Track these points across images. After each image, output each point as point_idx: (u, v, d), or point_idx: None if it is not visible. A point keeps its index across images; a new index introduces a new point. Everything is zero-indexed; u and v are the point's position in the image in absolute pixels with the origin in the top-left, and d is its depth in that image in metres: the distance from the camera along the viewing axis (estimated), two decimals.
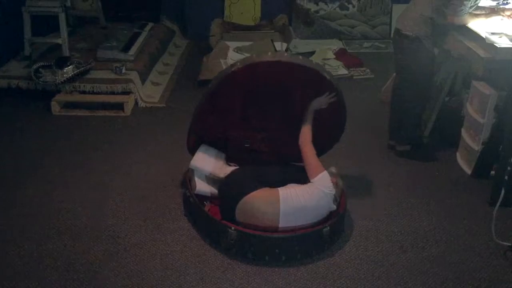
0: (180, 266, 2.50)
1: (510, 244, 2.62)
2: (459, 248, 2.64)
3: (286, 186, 2.64)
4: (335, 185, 2.66)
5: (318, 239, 2.57)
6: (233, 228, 2.52)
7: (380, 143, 3.62)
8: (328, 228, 2.56)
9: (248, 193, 2.56)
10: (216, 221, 2.60)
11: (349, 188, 2.95)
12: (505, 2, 3.46)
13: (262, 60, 2.61)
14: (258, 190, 2.58)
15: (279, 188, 2.61)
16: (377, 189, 3.13)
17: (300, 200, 2.54)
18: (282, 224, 2.53)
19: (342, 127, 2.98)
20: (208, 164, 2.89)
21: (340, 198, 2.75)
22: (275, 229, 2.54)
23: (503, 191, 2.68)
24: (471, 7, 3.09)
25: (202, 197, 2.83)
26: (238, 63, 2.61)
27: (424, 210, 2.94)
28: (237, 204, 2.57)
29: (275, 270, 2.49)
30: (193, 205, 2.75)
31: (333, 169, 2.76)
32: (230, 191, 2.67)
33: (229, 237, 2.52)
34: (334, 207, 2.65)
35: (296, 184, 2.65)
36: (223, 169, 2.90)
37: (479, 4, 3.20)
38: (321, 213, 2.61)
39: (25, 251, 2.57)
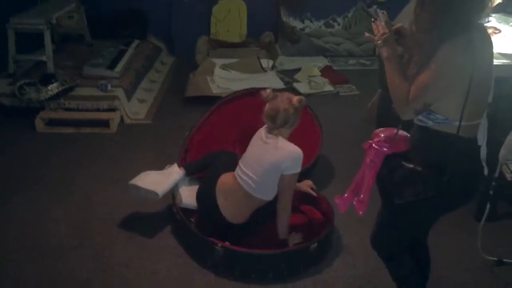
0: (167, 285, 2.47)
1: (496, 259, 2.63)
2: (446, 263, 2.64)
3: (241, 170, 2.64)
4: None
5: (305, 255, 2.55)
6: (219, 245, 2.49)
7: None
8: (316, 244, 2.55)
9: (214, 189, 2.61)
10: (203, 238, 2.57)
11: (335, 204, 2.93)
12: (487, 20, 3.52)
13: None
14: (219, 179, 2.63)
15: (238, 180, 2.59)
16: None
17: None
18: (259, 194, 2.56)
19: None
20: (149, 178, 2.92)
21: (329, 215, 2.75)
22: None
23: (488, 206, 2.70)
24: None
25: (188, 214, 2.81)
26: None
27: None
28: (216, 202, 2.59)
29: (262, 287, 2.46)
30: (179, 222, 2.73)
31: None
32: (205, 202, 2.70)
33: (216, 255, 2.50)
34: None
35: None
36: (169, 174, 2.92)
37: None
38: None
39: (7, 271, 2.52)
